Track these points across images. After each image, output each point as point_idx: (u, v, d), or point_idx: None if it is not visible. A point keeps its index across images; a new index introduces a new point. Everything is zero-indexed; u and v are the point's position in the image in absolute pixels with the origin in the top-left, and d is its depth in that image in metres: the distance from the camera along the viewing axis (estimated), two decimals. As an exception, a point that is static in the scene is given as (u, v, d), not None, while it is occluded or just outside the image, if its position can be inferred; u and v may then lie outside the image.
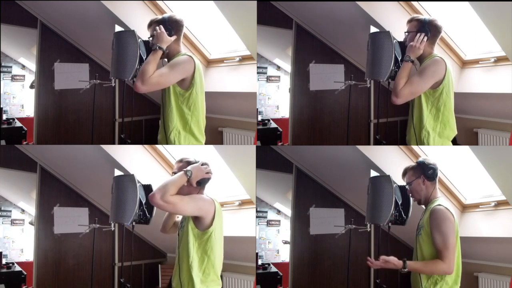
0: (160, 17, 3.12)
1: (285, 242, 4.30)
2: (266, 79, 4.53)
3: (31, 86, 4.34)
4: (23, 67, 4.37)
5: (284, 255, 4.31)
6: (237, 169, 3.85)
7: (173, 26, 3.05)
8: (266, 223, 4.33)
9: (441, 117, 3.08)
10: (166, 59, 3.10)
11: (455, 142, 3.20)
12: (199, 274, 2.78)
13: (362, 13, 3.85)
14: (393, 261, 2.78)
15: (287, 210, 4.26)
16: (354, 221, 4.06)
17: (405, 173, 3.04)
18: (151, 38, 3.06)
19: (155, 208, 3.03)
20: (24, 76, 4.37)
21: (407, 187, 3.00)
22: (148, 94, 4.59)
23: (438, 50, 4.21)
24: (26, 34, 4.22)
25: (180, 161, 2.89)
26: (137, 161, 4.03)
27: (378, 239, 4.21)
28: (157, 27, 3.03)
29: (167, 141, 3.08)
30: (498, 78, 3.97)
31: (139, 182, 2.99)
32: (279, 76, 4.51)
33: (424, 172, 2.92)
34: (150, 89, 2.96)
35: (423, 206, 2.98)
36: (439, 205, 2.83)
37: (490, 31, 3.74)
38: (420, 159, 3.03)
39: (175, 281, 2.83)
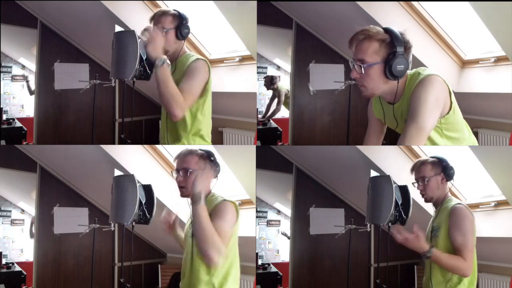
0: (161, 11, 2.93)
1: (284, 234, 4.30)
2: (266, 79, 4.54)
3: (30, 93, 4.34)
4: (23, 67, 4.37)
5: (284, 255, 4.31)
6: (237, 169, 3.85)
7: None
8: (266, 223, 4.33)
9: None
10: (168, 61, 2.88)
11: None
12: (219, 276, 2.60)
13: (362, 13, 3.85)
14: (422, 241, 2.47)
15: (287, 210, 4.26)
16: (354, 221, 4.06)
17: (419, 165, 2.65)
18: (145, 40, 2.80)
19: (155, 208, 3.03)
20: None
21: (418, 182, 2.65)
22: (148, 94, 4.59)
23: (438, 50, 4.23)
24: (26, 34, 4.22)
25: (178, 157, 2.60)
26: (137, 161, 4.03)
27: (378, 239, 4.21)
28: (149, 30, 2.78)
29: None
30: (498, 78, 3.97)
31: (139, 182, 2.99)
32: (279, 76, 4.52)
33: (445, 170, 2.62)
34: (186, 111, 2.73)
35: (432, 206, 2.75)
36: (459, 203, 2.57)
37: (490, 31, 3.74)
38: (439, 155, 2.68)
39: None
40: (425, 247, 2.46)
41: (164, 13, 2.91)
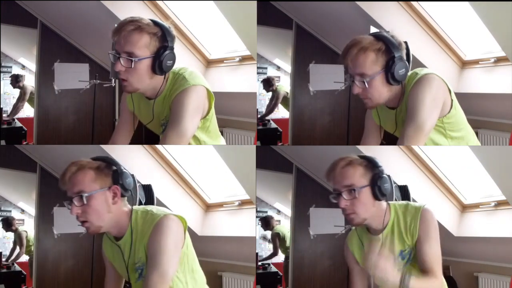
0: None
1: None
2: (266, 79, 4.53)
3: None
4: (23, 67, 4.37)
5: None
6: (237, 169, 3.85)
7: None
8: (266, 223, 4.33)
9: None
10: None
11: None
12: None
13: (362, 13, 3.85)
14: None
15: (287, 210, 4.26)
16: (354, 221, 4.05)
17: (344, 166, 2.01)
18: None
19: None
20: (24, 76, 4.37)
21: (342, 194, 2.00)
22: (148, 94, 4.58)
23: (438, 51, 4.23)
24: (26, 34, 4.22)
25: (62, 178, 2.05)
26: (137, 161, 4.03)
27: (378, 239, 4.21)
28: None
29: None
30: (498, 79, 3.97)
31: (139, 182, 2.99)
32: (279, 77, 4.51)
33: (376, 181, 2.01)
34: None
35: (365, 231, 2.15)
36: (425, 206, 2.09)
37: (490, 31, 3.74)
38: (370, 156, 2.09)
39: None
40: (397, 277, 1.90)
41: (138, 28, 1.97)
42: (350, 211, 2.02)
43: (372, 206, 2.05)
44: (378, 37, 2.08)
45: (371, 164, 2.05)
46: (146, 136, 4.58)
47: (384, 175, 2.04)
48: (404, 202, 2.20)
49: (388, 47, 2.05)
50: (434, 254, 2.05)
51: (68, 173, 1.96)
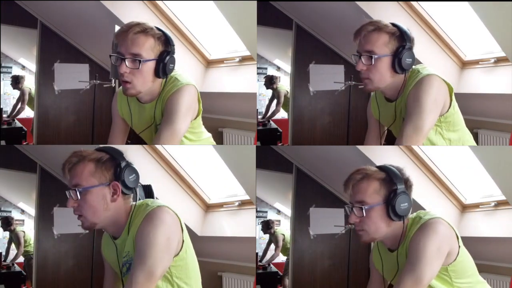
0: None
1: None
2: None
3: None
4: (23, 67, 4.37)
5: (284, 255, 4.31)
6: (237, 169, 3.84)
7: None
8: (266, 223, 4.33)
9: None
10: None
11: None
12: None
13: (362, 13, 3.85)
14: None
15: (287, 210, 4.26)
16: (354, 221, 4.05)
17: (360, 179, 1.96)
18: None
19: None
20: (24, 76, 4.37)
21: (353, 209, 1.92)
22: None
23: (438, 51, 4.23)
24: (26, 34, 4.22)
25: (63, 169, 1.95)
26: (137, 161, 4.02)
27: (378, 239, 4.21)
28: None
29: None
30: (498, 79, 3.97)
31: (139, 182, 2.99)
32: (279, 77, 4.52)
33: (391, 200, 1.85)
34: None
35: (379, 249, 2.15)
36: (432, 217, 1.92)
37: (490, 31, 3.74)
38: (392, 167, 1.95)
39: None
40: None
41: (144, 31, 2.03)
42: (359, 228, 1.92)
43: (386, 226, 1.89)
44: (394, 24, 2.18)
45: (389, 179, 1.89)
46: (146, 136, 4.59)
47: (403, 194, 1.85)
48: (415, 214, 1.97)
49: (402, 35, 2.14)
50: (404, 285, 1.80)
51: (67, 164, 1.86)
